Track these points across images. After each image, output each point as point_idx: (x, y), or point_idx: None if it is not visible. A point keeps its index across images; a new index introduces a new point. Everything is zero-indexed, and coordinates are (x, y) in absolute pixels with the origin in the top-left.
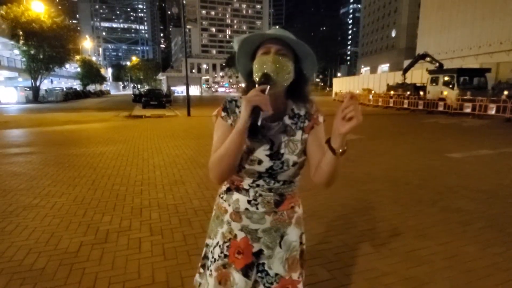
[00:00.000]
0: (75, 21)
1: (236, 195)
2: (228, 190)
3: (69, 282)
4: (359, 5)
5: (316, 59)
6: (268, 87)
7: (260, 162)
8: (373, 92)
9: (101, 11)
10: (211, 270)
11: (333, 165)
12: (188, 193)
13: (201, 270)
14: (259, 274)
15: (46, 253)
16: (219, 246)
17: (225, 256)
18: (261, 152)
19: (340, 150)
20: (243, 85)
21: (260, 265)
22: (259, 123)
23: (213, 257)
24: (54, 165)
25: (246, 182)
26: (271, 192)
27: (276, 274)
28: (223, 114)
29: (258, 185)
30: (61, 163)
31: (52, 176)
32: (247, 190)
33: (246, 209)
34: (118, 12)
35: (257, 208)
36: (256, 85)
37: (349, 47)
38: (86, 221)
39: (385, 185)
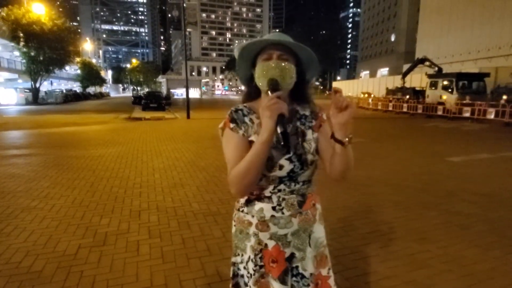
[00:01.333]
0: (75, 23)
1: (258, 205)
2: (249, 202)
3: (67, 285)
4: (358, 9)
5: (317, 63)
6: (281, 92)
7: (281, 167)
8: (372, 96)
9: (101, 13)
10: (249, 287)
11: (344, 156)
12: (188, 196)
13: None
14: (294, 279)
15: (44, 255)
16: (252, 260)
17: (261, 267)
18: (281, 157)
19: (347, 139)
20: (242, 87)
21: (294, 269)
22: (288, 130)
23: (248, 273)
24: (53, 167)
25: (268, 190)
26: (293, 194)
27: (311, 274)
28: (231, 125)
29: (279, 190)
30: (60, 165)
31: (51, 178)
32: (269, 198)
33: (272, 216)
34: (118, 15)
35: (283, 213)
36: (268, 92)
37: (348, 51)
38: (85, 224)
39: (386, 189)
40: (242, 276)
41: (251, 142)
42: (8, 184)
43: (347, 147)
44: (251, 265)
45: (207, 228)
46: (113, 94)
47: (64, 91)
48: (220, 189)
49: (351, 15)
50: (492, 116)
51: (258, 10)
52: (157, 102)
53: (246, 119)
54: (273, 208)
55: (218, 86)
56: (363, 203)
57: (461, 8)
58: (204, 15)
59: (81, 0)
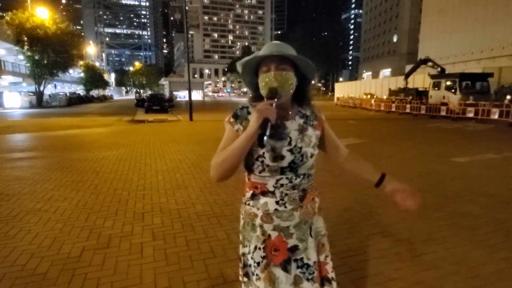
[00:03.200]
0: (79, 27)
1: (263, 199)
2: (254, 196)
3: (71, 287)
4: (360, 11)
5: (313, 66)
6: (275, 100)
7: (282, 157)
8: (375, 97)
9: (104, 17)
10: (257, 274)
11: (365, 179)
12: (191, 198)
13: (245, 279)
14: (299, 270)
15: (48, 257)
16: (259, 248)
17: (265, 256)
18: (283, 148)
19: (379, 187)
20: (244, 89)
21: (299, 261)
22: (267, 133)
23: (255, 262)
24: (57, 170)
25: (270, 184)
26: (295, 189)
27: (315, 262)
28: (231, 120)
29: (282, 185)
30: (64, 167)
31: (55, 181)
32: (273, 192)
33: (276, 209)
34: (121, 18)
35: (285, 207)
36: (265, 99)
37: (350, 52)
38: (89, 226)
39: None
40: (250, 265)
41: None
42: (13, 186)
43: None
44: (258, 254)
45: (211, 230)
46: (116, 97)
47: (68, 94)
48: (223, 191)
49: (353, 16)
50: (496, 117)
51: (260, 12)
52: (160, 104)
53: (249, 117)
54: (277, 203)
55: (220, 88)
56: (367, 204)
57: (464, 8)
58: (206, 17)
59: (85, 4)
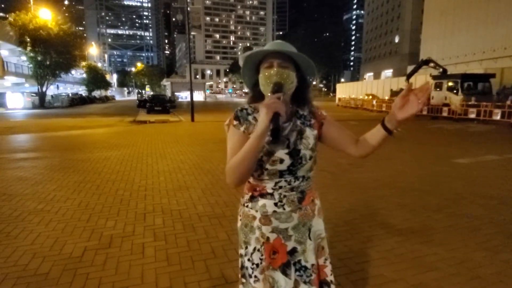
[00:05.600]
0: (81, 28)
1: (262, 201)
2: (253, 198)
3: (73, 287)
4: (362, 11)
5: (314, 66)
6: (282, 94)
7: (281, 161)
8: (376, 97)
9: (107, 18)
10: (255, 276)
11: (382, 142)
12: (192, 198)
13: (243, 280)
14: (297, 273)
15: (50, 258)
16: (258, 250)
17: (264, 259)
18: (281, 152)
19: (395, 131)
20: (246, 90)
21: (297, 263)
22: (286, 129)
23: (254, 263)
24: (60, 170)
25: (269, 186)
26: (293, 191)
27: (313, 265)
28: (235, 122)
29: (280, 187)
30: (66, 168)
31: (57, 181)
32: (271, 194)
33: (274, 211)
34: (123, 19)
35: (284, 208)
36: (269, 94)
37: (352, 52)
38: (90, 226)
39: (392, 191)
40: (247, 268)
41: None
42: (16, 187)
43: (391, 136)
44: (257, 255)
45: (212, 230)
46: (118, 98)
47: (70, 95)
48: (225, 192)
49: (354, 17)
50: (498, 117)
51: (262, 13)
52: (161, 105)
53: (250, 118)
54: (275, 204)
55: (222, 89)
56: (368, 205)
57: (466, 9)
58: (208, 18)
59: (87, 5)
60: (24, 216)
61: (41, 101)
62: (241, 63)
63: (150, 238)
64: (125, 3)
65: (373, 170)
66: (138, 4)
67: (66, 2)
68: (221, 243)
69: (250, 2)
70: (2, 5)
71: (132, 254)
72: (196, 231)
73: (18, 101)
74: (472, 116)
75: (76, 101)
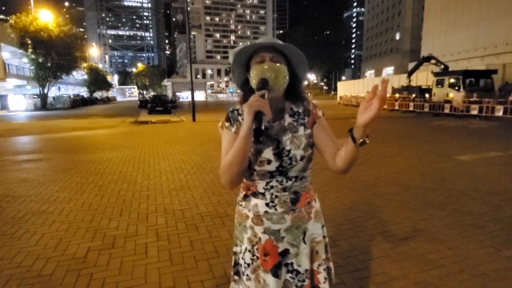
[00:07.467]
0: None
1: (254, 200)
2: (246, 197)
3: (77, 287)
4: (362, 9)
5: (306, 60)
6: (267, 91)
7: (269, 162)
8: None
9: (107, 19)
10: (247, 275)
11: (352, 153)
12: (195, 198)
13: (236, 277)
14: (289, 275)
15: (54, 258)
16: (249, 250)
17: (257, 258)
18: (269, 152)
19: (361, 140)
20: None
21: (289, 265)
22: (262, 127)
23: (245, 262)
24: (62, 171)
25: (261, 186)
26: (286, 191)
27: (306, 270)
28: (226, 124)
29: (272, 187)
30: (69, 169)
31: (60, 182)
32: (263, 194)
33: (266, 211)
34: (124, 20)
35: (276, 209)
36: (255, 91)
37: (353, 50)
38: (93, 227)
39: (394, 189)
40: (241, 265)
41: None
42: (19, 188)
43: (357, 148)
44: (248, 255)
45: (214, 230)
46: (119, 98)
47: (72, 96)
48: (227, 191)
49: (355, 14)
50: (500, 114)
51: (262, 12)
52: (163, 105)
53: (240, 118)
54: (267, 205)
55: (223, 88)
56: (371, 203)
57: (467, 5)
58: (208, 18)
59: (87, 7)
60: (27, 218)
61: (43, 103)
62: (231, 59)
63: (153, 238)
64: (125, 4)
65: (375, 168)
66: (138, 4)
67: (66, 4)
68: (224, 242)
69: (250, 1)
70: (3, 8)
71: (135, 254)
72: (198, 230)
73: (20, 103)
74: (474, 112)
75: (77, 102)
